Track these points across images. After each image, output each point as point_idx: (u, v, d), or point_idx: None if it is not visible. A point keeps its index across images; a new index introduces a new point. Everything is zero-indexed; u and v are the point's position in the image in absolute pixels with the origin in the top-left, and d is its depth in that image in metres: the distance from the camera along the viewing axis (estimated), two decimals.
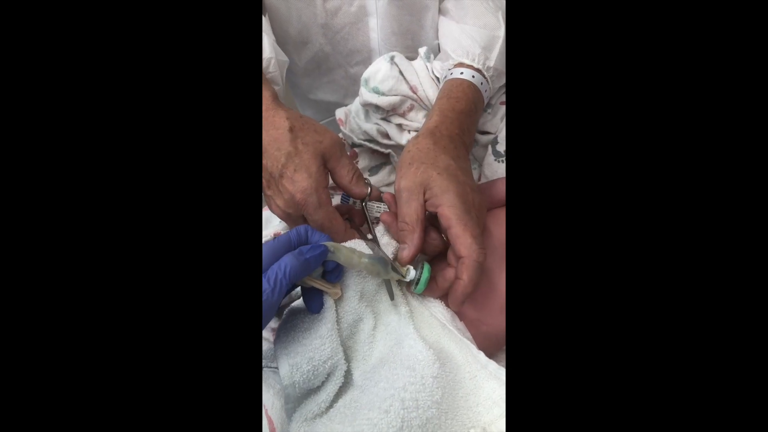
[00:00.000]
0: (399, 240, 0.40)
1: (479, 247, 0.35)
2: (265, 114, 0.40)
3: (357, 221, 0.45)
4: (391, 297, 0.39)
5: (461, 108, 0.45)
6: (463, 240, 0.35)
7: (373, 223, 0.44)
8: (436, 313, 0.39)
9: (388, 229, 0.42)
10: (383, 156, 0.53)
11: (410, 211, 0.38)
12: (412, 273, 0.37)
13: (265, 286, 0.30)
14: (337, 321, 0.36)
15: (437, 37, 0.59)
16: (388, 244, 0.40)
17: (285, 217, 0.41)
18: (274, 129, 0.40)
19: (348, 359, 0.36)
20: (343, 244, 0.37)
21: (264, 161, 0.39)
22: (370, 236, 0.42)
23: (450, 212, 0.36)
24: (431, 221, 0.40)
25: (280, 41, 0.63)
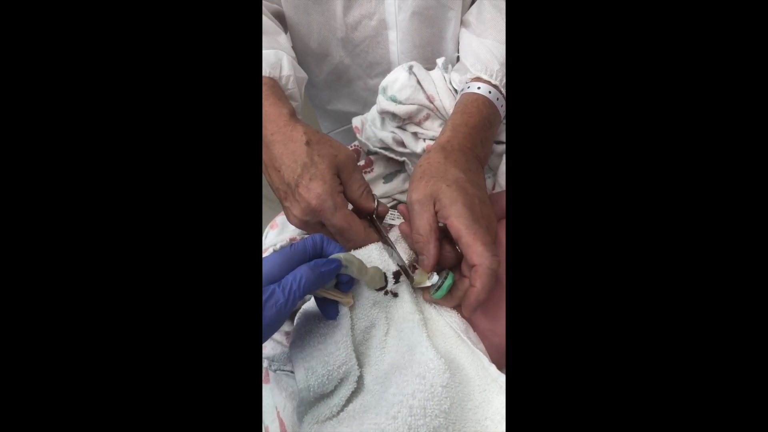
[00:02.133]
0: (416, 251, 0.40)
1: (491, 254, 0.35)
2: (283, 129, 0.42)
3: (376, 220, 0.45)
4: (411, 281, 0.39)
5: (474, 123, 0.45)
6: (474, 248, 0.36)
7: (388, 230, 0.44)
8: (450, 322, 0.39)
9: (405, 239, 0.42)
10: (398, 164, 0.54)
11: (423, 222, 0.38)
12: (435, 278, 0.38)
13: (279, 295, 0.30)
14: (351, 326, 0.36)
15: (458, 50, 0.59)
16: (403, 251, 0.41)
17: (303, 225, 0.42)
18: (292, 142, 0.41)
19: (360, 364, 0.37)
20: (364, 248, 0.38)
21: (281, 173, 0.41)
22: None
23: (458, 222, 0.37)
24: (446, 234, 0.40)
25: (301, 54, 0.65)
